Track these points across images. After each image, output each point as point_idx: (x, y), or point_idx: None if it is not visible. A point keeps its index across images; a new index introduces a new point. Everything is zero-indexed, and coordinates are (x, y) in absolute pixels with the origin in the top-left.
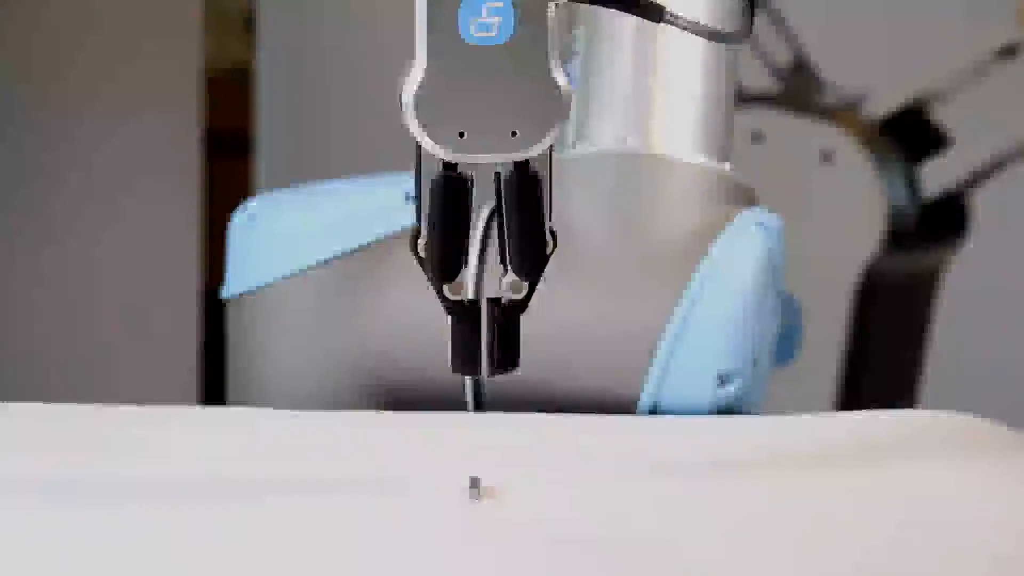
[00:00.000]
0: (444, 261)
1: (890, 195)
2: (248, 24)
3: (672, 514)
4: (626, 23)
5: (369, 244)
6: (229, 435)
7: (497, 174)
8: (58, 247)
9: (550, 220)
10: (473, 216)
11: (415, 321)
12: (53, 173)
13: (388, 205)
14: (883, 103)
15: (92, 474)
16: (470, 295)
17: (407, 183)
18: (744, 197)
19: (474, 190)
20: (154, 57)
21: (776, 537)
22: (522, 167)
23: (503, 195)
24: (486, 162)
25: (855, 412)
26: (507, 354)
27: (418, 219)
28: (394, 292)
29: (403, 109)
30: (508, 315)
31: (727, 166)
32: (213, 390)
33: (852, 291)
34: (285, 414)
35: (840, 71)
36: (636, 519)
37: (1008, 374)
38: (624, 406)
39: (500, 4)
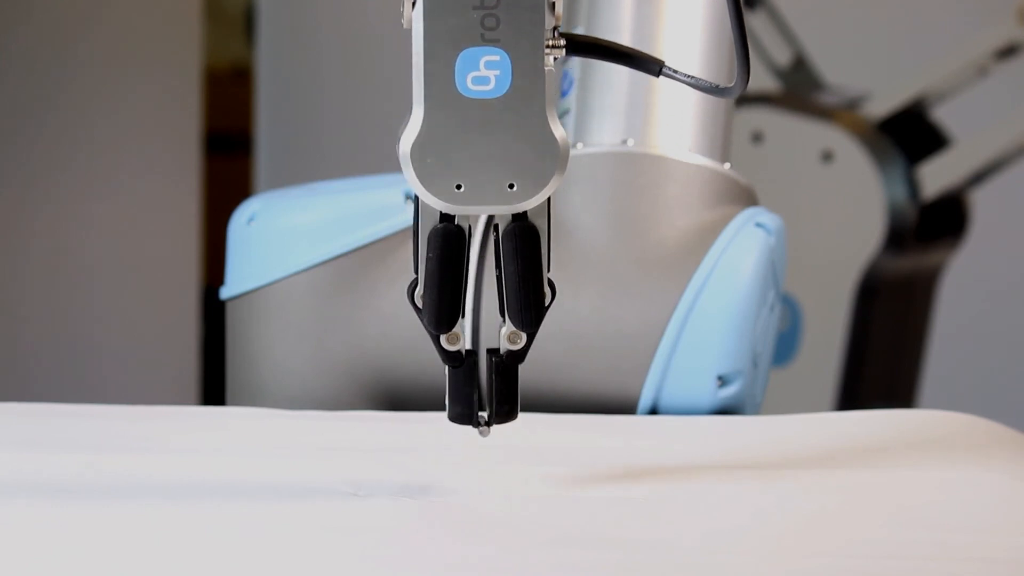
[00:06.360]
0: (440, 312)
1: (890, 195)
2: (248, 24)
3: (671, 514)
4: (625, 22)
5: (369, 244)
6: (228, 435)
7: (496, 225)
8: (58, 246)
9: (548, 271)
10: (471, 265)
11: (414, 321)
12: (53, 172)
13: (388, 205)
14: (883, 103)
15: (92, 474)
16: (467, 345)
17: (406, 183)
18: (744, 197)
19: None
20: (154, 57)
21: (775, 536)
22: (520, 219)
23: (501, 247)
24: (483, 214)
25: (855, 412)
26: (506, 404)
27: (416, 269)
28: (393, 292)
29: (400, 160)
30: (507, 365)
31: (727, 166)
32: (213, 390)
33: (852, 291)
34: (285, 414)
35: (840, 71)
36: (636, 519)
37: (1008, 374)
38: (624, 406)
39: (497, 58)
